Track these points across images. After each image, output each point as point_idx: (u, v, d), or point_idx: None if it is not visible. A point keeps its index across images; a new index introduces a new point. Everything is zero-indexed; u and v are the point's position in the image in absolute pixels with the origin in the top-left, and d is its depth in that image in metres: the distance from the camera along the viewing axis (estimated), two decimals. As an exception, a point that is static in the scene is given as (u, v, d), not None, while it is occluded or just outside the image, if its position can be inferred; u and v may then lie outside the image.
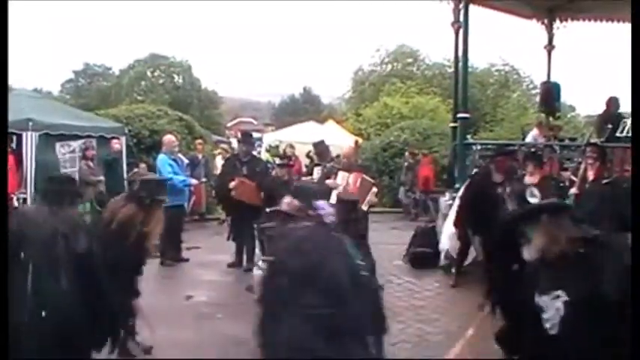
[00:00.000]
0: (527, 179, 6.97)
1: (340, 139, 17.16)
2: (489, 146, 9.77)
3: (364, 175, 7.61)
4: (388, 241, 10.05)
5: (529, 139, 10.55)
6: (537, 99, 18.79)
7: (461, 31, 9.46)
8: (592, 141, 7.44)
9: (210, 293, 7.58)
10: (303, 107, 46.26)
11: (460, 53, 9.71)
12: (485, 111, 28.21)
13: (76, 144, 11.54)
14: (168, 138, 9.49)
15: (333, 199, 7.90)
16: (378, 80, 33.08)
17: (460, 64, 9.98)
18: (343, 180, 7.46)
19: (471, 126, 15.31)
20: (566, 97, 15.80)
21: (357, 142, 18.53)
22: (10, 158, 10.15)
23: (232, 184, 8.36)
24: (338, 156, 9.62)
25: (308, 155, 13.84)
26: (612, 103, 9.47)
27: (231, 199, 8.49)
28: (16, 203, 9.85)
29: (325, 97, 48.97)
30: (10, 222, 3.43)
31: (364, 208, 6.89)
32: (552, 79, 11.86)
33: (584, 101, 49.71)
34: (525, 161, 7.27)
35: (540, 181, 6.84)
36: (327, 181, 8.29)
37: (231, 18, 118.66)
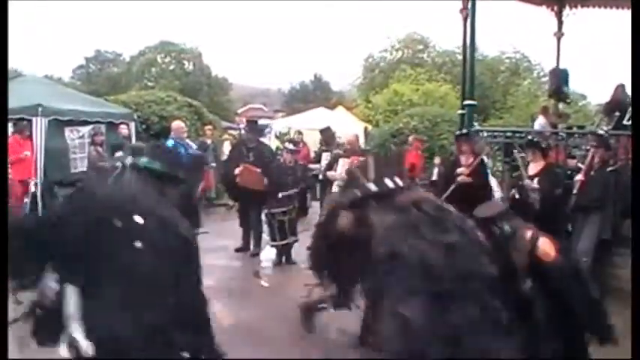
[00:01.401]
0: (530, 167, 6.99)
1: (350, 126, 17.18)
2: (496, 133, 9.75)
3: (360, 158, 7.57)
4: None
5: (536, 126, 10.55)
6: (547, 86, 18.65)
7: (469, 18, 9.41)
8: (598, 131, 7.41)
9: (218, 277, 7.67)
10: (314, 94, 46.05)
11: (468, 40, 9.67)
12: (496, 98, 28.15)
13: (85, 130, 11.64)
14: (177, 124, 9.52)
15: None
16: (388, 67, 33.01)
17: (467, 51, 9.95)
18: (343, 167, 7.47)
19: (481, 113, 15.28)
20: (577, 86, 15.63)
21: (366, 128, 18.53)
22: (27, 144, 10.29)
23: (237, 171, 8.43)
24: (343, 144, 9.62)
25: (321, 142, 13.84)
26: (620, 90, 9.42)
27: (237, 185, 8.57)
28: (33, 188, 10.05)
29: (335, 84, 48.77)
30: None
31: None
32: (562, 67, 11.77)
33: (595, 89, 49.02)
34: (527, 149, 7.27)
35: (542, 169, 6.86)
36: (328, 173, 8.27)
37: (242, 5, 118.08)
